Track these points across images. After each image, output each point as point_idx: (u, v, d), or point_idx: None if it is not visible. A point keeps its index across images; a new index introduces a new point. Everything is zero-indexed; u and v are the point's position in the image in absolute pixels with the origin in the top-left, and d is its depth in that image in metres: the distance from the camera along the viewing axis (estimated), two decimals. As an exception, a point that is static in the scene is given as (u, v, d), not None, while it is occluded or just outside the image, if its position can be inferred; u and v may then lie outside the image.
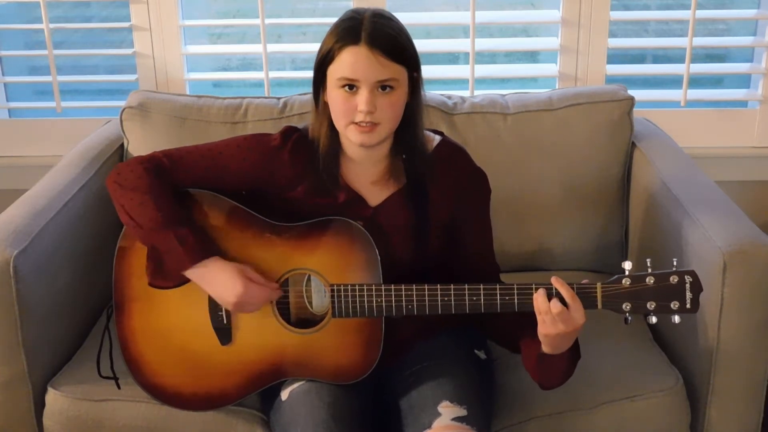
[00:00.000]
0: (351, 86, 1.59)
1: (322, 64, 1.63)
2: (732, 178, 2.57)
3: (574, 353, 1.62)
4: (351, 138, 1.63)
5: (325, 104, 1.66)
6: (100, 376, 1.83)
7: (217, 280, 1.64)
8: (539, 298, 1.55)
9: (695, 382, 1.86)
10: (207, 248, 1.65)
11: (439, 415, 1.60)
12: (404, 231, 1.71)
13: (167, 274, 1.66)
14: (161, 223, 1.64)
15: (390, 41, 1.58)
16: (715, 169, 2.36)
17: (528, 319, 1.58)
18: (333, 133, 1.68)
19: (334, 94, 1.62)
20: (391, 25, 1.61)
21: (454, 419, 1.59)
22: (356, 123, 1.60)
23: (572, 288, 1.56)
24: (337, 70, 1.60)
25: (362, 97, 1.58)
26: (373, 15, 1.60)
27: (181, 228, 1.64)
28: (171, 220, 1.64)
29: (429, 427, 1.59)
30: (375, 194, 1.72)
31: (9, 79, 2.73)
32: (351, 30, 1.58)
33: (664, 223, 2.01)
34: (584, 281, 1.58)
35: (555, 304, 1.53)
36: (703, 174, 2.11)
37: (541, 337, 1.58)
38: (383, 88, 1.59)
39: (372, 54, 1.57)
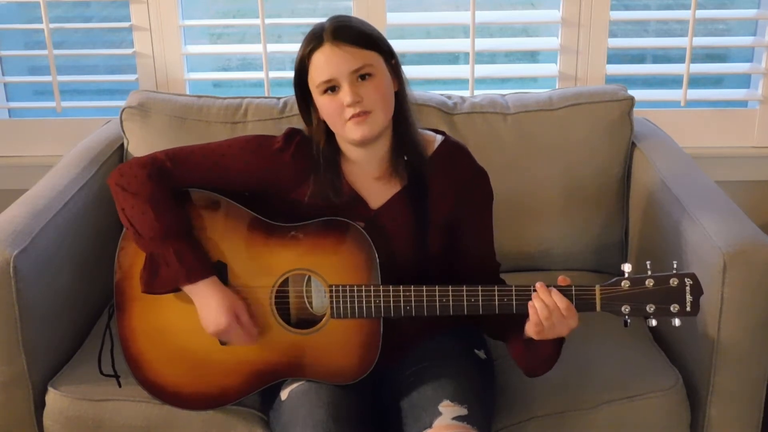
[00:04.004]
0: (332, 88, 1.62)
1: (300, 78, 1.66)
2: (732, 178, 2.56)
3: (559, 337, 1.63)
4: (352, 136, 1.64)
5: (319, 121, 1.68)
6: (102, 374, 1.83)
7: (206, 304, 1.66)
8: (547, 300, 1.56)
9: (695, 382, 1.86)
10: (204, 268, 1.66)
11: (439, 414, 1.60)
12: (405, 231, 1.71)
13: (161, 285, 1.67)
14: (161, 235, 1.64)
15: (351, 31, 1.63)
16: (715, 169, 2.36)
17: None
18: (331, 144, 1.70)
19: (321, 103, 1.65)
20: (352, 20, 1.67)
21: (455, 418, 1.59)
22: (350, 119, 1.61)
23: (571, 289, 1.57)
24: (314, 78, 1.63)
25: (344, 92, 1.60)
26: (332, 17, 1.66)
27: (180, 242, 1.65)
28: (171, 233, 1.65)
29: (430, 426, 1.59)
30: (377, 195, 1.72)
31: (9, 79, 2.73)
32: (314, 36, 1.63)
33: (664, 223, 2.01)
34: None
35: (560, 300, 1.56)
36: (703, 174, 2.11)
37: (533, 332, 1.58)
38: (362, 77, 1.61)
39: (338, 47, 1.60)
